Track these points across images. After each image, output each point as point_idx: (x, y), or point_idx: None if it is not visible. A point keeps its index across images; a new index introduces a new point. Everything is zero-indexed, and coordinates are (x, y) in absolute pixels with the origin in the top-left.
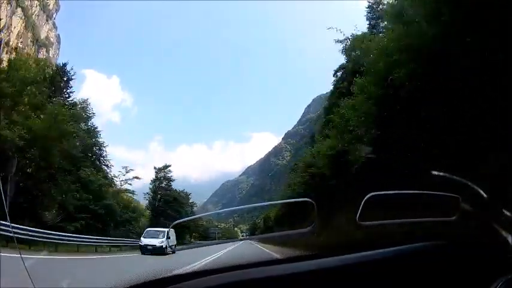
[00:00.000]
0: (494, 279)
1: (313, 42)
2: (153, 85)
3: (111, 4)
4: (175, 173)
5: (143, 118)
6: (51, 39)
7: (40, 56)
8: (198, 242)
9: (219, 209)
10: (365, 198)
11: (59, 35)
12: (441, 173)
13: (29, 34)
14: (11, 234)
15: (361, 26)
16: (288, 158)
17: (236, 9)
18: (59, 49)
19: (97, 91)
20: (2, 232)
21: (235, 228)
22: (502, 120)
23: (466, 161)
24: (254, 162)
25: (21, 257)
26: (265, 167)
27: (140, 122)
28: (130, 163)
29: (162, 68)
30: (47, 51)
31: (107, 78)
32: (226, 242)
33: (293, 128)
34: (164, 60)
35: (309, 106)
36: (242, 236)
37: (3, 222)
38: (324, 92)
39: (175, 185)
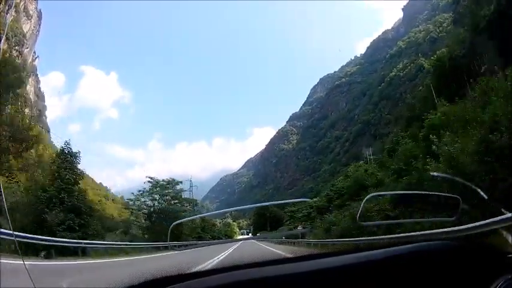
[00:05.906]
0: (494, 279)
1: (315, 26)
2: (152, 82)
3: (109, 1)
4: (174, 170)
5: (142, 115)
6: (30, 11)
7: (8, 17)
8: (197, 242)
9: (217, 205)
10: (365, 199)
11: (40, 10)
12: (441, 174)
13: None
14: (12, 238)
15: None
16: (295, 141)
17: (232, 3)
18: (39, 25)
19: (95, 88)
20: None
21: (230, 221)
22: None
23: None
24: (254, 155)
25: (22, 258)
26: (268, 155)
27: (139, 119)
28: (130, 161)
29: (160, 64)
30: (17, 12)
31: (105, 75)
32: (226, 242)
33: (299, 110)
34: (162, 56)
35: (315, 86)
36: (242, 233)
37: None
38: (332, 72)
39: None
